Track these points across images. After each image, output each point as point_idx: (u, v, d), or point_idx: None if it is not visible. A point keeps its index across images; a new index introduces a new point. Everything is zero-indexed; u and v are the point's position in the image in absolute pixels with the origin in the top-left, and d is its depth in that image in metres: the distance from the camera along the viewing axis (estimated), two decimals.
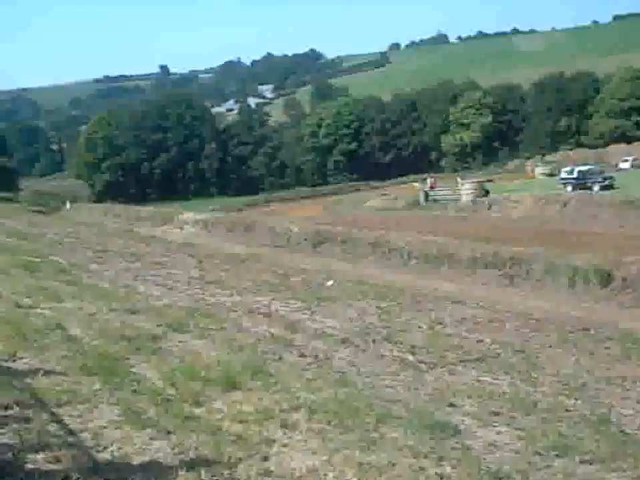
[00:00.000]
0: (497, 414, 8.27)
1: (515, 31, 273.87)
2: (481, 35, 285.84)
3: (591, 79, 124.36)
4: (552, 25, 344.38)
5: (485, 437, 7.43)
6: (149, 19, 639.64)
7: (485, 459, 6.68)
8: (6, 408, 7.03)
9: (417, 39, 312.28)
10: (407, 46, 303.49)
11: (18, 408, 7.08)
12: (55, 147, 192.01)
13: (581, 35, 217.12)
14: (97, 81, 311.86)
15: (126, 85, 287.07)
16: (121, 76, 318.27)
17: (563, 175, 65.55)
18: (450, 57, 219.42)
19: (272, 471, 5.95)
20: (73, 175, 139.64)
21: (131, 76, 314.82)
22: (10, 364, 8.98)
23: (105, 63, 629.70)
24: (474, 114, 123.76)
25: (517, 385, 9.79)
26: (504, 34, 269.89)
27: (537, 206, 51.93)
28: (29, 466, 5.66)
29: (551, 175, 74.61)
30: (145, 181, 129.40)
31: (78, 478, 5.40)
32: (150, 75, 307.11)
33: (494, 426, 7.84)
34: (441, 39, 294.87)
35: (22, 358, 9.25)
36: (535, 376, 10.45)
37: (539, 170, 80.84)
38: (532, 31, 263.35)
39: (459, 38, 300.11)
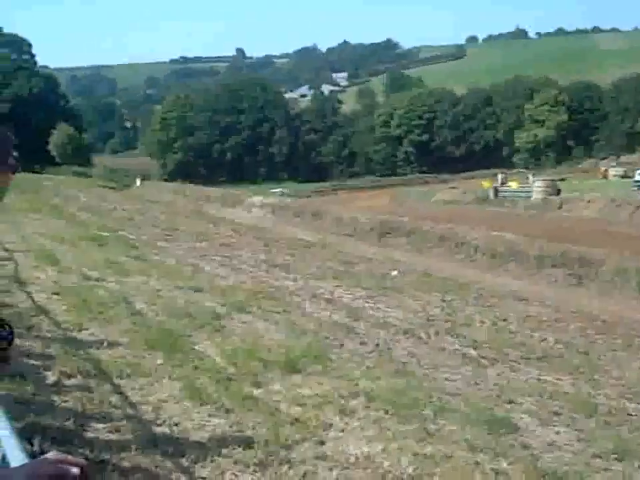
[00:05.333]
0: (557, 414, 8.18)
1: (597, 30, 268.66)
2: (561, 32, 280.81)
3: None
4: (635, 25, 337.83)
5: (544, 436, 7.35)
6: (227, 2, 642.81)
7: (542, 458, 6.62)
8: (69, 376, 7.18)
9: (495, 33, 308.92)
10: (484, 40, 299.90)
11: (81, 377, 7.23)
12: (128, 124, 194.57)
13: None
14: (173, 61, 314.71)
15: (202, 66, 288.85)
16: (197, 57, 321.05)
17: (637, 178, 64.06)
18: (528, 52, 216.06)
19: (328, 455, 5.97)
20: (145, 153, 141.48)
21: (207, 58, 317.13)
22: (75, 334, 9.16)
23: (182, 44, 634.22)
24: (549, 111, 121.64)
25: (579, 386, 9.66)
26: (585, 32, 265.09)
27: (609, 208, 51.00)
28: (89, 435, 5.76)
29: (625, 176, 73.01)
30: (215, 163, 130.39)
31: (136, 449, 5.48)
32: (226, 57, 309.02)
33: (553, 426, 7.75)
34: (520, 34, 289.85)
35: (87, 329, 9.44)
36: (598, 378, 10.30)
37: (612, 171, 79.08)
38: (614, 30, 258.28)
39: (538, 34, 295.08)
